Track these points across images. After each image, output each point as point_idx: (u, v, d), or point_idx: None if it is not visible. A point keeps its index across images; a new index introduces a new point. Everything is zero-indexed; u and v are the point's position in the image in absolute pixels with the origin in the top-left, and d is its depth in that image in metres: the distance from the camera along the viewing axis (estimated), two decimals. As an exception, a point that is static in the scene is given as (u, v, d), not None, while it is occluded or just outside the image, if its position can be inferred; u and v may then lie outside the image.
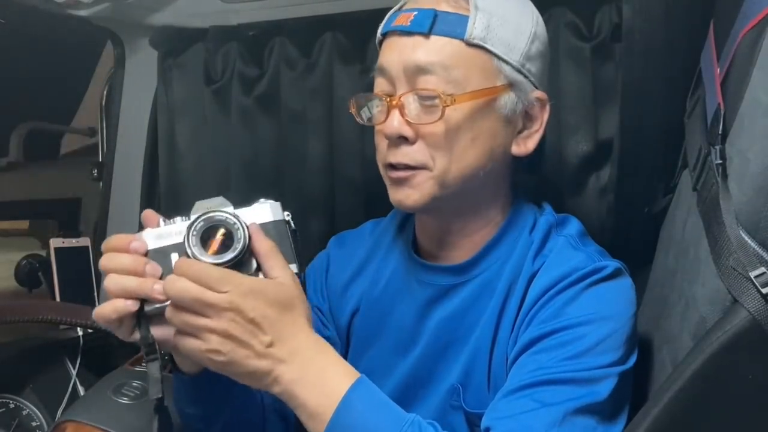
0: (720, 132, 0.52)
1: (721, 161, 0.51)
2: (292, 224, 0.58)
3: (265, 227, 0.56)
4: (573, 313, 0.60)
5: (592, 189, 0.90)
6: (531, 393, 0.56)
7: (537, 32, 0.66)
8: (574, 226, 0.69)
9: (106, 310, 0.55)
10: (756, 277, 0.44)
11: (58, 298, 1.12)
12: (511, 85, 0.65)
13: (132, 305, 0.54)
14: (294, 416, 0.57)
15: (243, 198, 1.13)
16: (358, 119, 0.70)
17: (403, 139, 0.64)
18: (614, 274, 0.63)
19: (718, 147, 0.52)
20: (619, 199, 0.84)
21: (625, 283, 0.64)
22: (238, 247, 0.53)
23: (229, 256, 0.53)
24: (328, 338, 0.67)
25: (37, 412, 0.97)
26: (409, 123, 0.64)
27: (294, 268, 0.55)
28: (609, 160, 0.87)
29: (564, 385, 0.55)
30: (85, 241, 1.18)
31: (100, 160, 1.27)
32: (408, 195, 0.65)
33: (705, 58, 0.66)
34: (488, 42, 0.63)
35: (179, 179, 1.20)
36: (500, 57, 0.64)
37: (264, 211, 0.57)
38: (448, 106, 0.62)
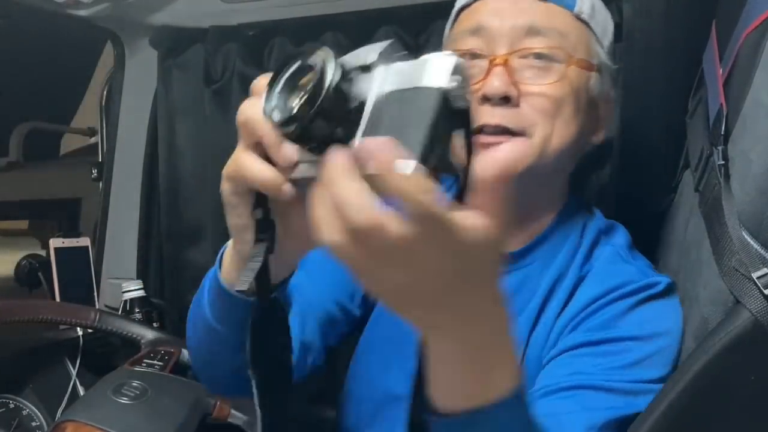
0: (722, 133, 0.52)
1: (723, 162, 0.51)
2: (457, 99, 0.33)
3: (401, 98, 0.34)
4: (623, 327, 0.58)
5: (592, 189, 0.90)
6: (573, 395, 0.54)
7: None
8: (621, 236, 0.67)
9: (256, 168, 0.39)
10: (759, 278, 0.44)
11: (58, 298, 1.11)
12: (600, 70, 0.64)
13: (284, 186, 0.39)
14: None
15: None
16: None
17: (504, 101, 0.60)
18: (666, 291, 0.61)
19: (720, 148, 0.52)
20: (620, 200, 0.84)
21: (675, 300, 0.62)
22: (299, 103, 0.35)
23: (296, 100, 0.36)
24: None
25: (37, 412, 0.96)
26: (514, 83, 0.60)
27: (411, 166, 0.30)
28: (609, 160, 0.87)
29: (606, 393, 0.54)
30: (84, 241, 1.18)
31: (100, 160, 1.27)
32: None
33: (707, 58, 0.66)
34: (592, 21, 0.63)
35: (179, 179, 1.20)
36: (598, 39, 0.64)
37: (417, 69, 0.34)
38: (571, 65, 0.60)
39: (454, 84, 0.33)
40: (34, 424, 0.95)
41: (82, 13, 1.08)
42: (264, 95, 0.38)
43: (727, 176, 0.50)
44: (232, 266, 0.49)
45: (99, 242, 1.25)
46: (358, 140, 0.34)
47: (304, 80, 0.36)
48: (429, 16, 0.99)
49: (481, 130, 0.60)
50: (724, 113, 0.53)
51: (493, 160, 0.54)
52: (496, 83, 0.59)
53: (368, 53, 0.36)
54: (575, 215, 0.67)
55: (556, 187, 0.67)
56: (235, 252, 0.48)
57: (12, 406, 0.95)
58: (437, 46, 1.03)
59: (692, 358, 0.47)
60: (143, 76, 1.21)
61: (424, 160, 0.31)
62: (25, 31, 1.20)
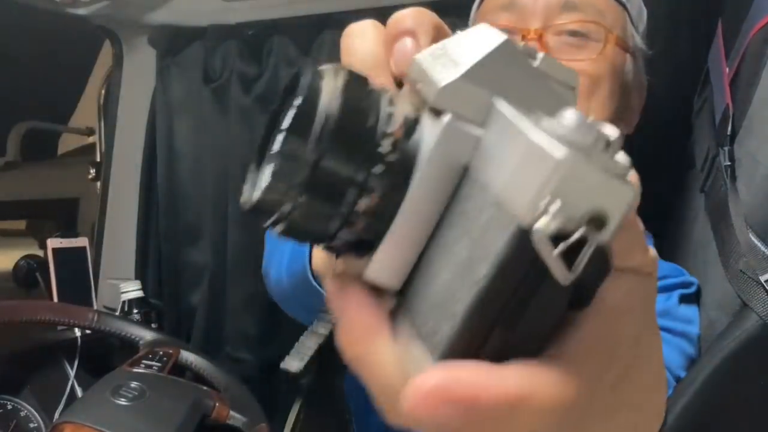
0: (728, 133, 0.51)
1: (729, 163, 0.50)
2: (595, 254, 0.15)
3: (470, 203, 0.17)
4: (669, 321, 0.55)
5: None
6: None
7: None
8: (648, 238, 0.65)
9: None
10: (766, 281, 0.44)
11: (55, 299, 1.11)
12: (634, 54, 0.61)
13: None
14: None
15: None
16: None
17: None
18: (698, 294, 0.58)
19: (726, 148, 0.51)
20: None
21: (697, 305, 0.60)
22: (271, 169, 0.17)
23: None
24: None
25: (35, 413, 0.96)
26: None
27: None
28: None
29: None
30: (82, 242, 1.17)
31: (98, 159, 1.26)
32: None
33: (713, 57, 0.65)
34: (628, 3, 0.60)
35: (178, 179, 1.19)
36: (633, 21, 0.61)
37: (528, 165, 0.15)
38: (609, 42, 0.57)
39: (555, 219, 0.14)
40: (32, 425, 0.95)
41: (80, 11, 1.08)
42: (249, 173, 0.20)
43: (734, 177, 0.50)
44: (324, 260, 0.39)
45: (97, 242, 1.24)
46: (378, 253, 0.17)
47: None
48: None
49: None
50: (731, 113, 0.52)
51: None
52: None
53: (449, 65, 0.18)
54: None
55: None
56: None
57: (10, 407, 0.94)
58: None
59: (700, 364, 0.46)
60: (141, 75, 1.21)
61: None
62: (23, 30, 1.20)
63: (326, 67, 0.17)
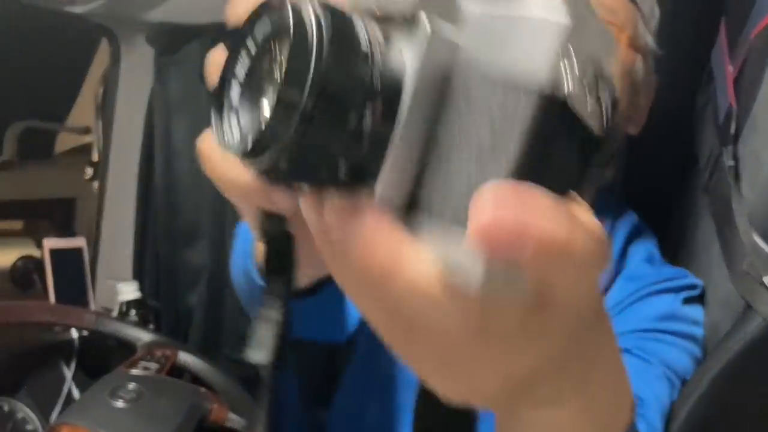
0: (732, 132, 0.51)
1: (733, 163, 0.50)
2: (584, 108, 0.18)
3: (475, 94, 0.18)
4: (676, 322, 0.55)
5: (596, 188, 0.89)
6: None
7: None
8: (653, 237, 0.65)
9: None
10: (771, 282, 0.43)
11: (52, 300, 1.10)
12: (645, 53, 0.60)
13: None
14: None
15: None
16: None
17: None
18: (702, 297, 0.58)
19: (730, 148, 0.51)
20: (627, 199, 0.83)
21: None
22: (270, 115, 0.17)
23: (264, 106, 0.18)
24: None
25: (31, 415, 0.95)
26: None
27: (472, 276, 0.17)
28: (614, 159, 0.86)
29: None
30: (79, 242, 1.16)
31: (95, 159, 1.26)
32: None
33: (716, 56, 0.65)
34: (640, 2, 0.59)
35: (175, 178, 1.19)
36: (645, 20, 0.60)
37: (512, 34, 0.17)
38: (620, 42, 0.56)
39: (576, 81, 0.17)
40: (28, 427, 0.94)
41: (77, 9, 1.07)
42: (213, 111, 0.21)
43: (737, 177, 0.49)
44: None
45: (94, 243, 1.24)
46: (389, 168, 0.18)
47: (274, 61, 0.18)
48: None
49: None
50: (734, 113, 0.52)
51: None
52: None
53: None
54: (604, 211, 0.64)
55: None
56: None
57: (6, 409, 0.94)
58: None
59: (705, 366, 0.46)
60: (139, 73, 1.20)
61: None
62: (19, 28, 1.19)
63: (304, 3, 0.18)
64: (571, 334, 0.19)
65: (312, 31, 0.17)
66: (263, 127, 0.17)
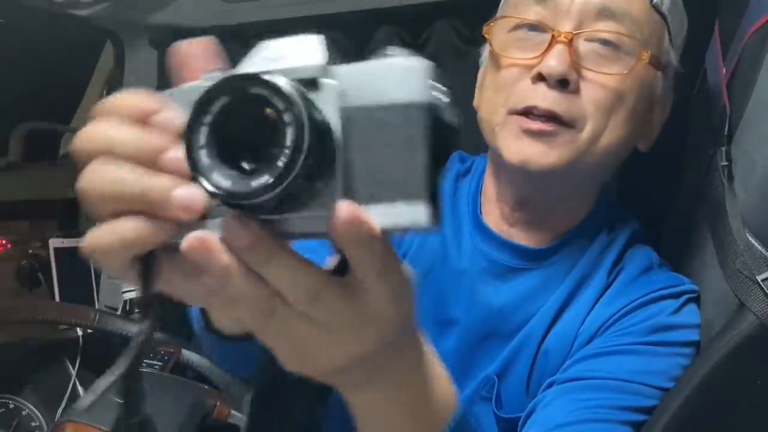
0: (726, 133, 0.51)
1: (726, 163, 0.50)
2: (446, 114, 0.27)
3: (374, 119, 0.25)
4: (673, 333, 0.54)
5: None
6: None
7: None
8: (649, 243, 0.64)
9: (102, 238, 0.27)
10: (763, 280, 0.44)
11: (57, 299, 1.11)
12: (665, 71, 0.58)
13: (144, 233, 0.26)
14: None
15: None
16: (491, 44, 0.58)
17: (561, 84, 0.53)
18: (698, 300, 0.57)
19: (723, 148, 0.51)
20: (619, 199, 0.84)
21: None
22: (284, 161, 0.23)
23: (261, 179, 0.24)
24: None
25: (36, 412, 0.96)
26: (575, 66, 0.53)
27: (422, 215, 0.25)
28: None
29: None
30: (84, 242, 1.17)
31: (100, 159, 1.26)
32: (544, 153, 0.53)
33: (710, 57, 0.65)
34: (669, 16, 0.57)
35: (179, 179, 1.19)
36: (671, 36, 0.57)
37: (384, 76, 0.26)
38: (641, 60, 0.54)
39: (439, 97, 0.26)
40: (33, 424, 0.95)
41: (82, 12, 1.08)
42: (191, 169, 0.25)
43: (731, 177, 0.50)
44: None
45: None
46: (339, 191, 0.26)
47: (252, 123, 0.24)
48: (429, 16, 0.98)
49: (528, 112, 0.53)
50: (728, 113, 0.52)
51: (540, 157, 0.51)
52: (554, 62, 0.52)
53: (299, 58, 0.26)
54: (604, 216, 0.63)
55: (590, 187, 0.61)
56: None
57: (12, 406, 0.95)
58: (437, 46, 1.02)
59: (697, 364, 0.46)
60: (143, 76, 1.21)
61: (432, 198, 0.26)
62: (24, 31, 1.20)
63: (274, 77, 0.25)
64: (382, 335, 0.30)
65: (296, 123, 0.24)
66: (275, 177, 0.24)
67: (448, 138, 0.27)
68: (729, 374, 0.45)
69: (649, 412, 0.49)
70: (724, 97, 0.54)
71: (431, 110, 0.26)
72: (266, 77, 0.24)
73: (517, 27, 0.56)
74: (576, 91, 0.54)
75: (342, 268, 0.28)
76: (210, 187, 0.24)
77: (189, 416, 0.75)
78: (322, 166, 0.25)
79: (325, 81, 0.26)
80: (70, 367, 1.03)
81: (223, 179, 0.24)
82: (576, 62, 0.53)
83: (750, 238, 0.46)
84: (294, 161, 0.23)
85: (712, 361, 0.45)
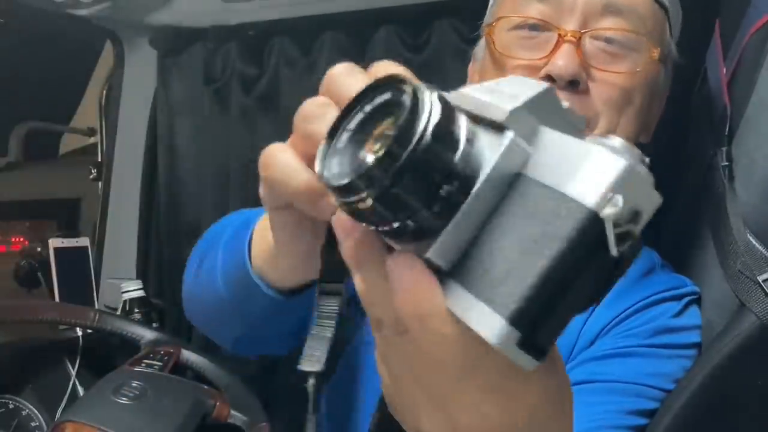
0: (726, 133, 0.51)
1: (727, 163, 0.50)
2: (621, 244, 0.20)
3: (528, 197, 0.22)
4: (676, 335, 0.54)
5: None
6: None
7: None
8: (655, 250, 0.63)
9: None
10: (764, 281, 0.44)
11: (57, 299, 1.11)
12: (666, 62, 0.58)
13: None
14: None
15: (242, 199, 1.13)
16: (493, 44, 0.56)
17: (571, 85, 0.52)
18: (699, 301, 0.57)
19: (724, 148, 0.51)
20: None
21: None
22: (374, 158, 0.21)
23: (366, 155, 0.22)
24: None
25: (36, 412, 0.96)
26: (583, 66, 0.52)
27: (494, 329, 0.21)
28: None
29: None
30: (84, 241, 1.17)
31: (99, 160, 1.26)
32: None
33: (711, 57, 0.65)
34: (671, 8, 0.56)
35: (179, 179, 1.19)
36: (671, 28, 0.57)
37: (577, 159, 0.21)
38: (651, 57, 0.53)
39: (617, 208, 0.19)
40: (33, 424, 0.95)
41: (82, 12, 1.08)
42: (321, 149, 0.24)
43: (732, 178, 0.50)
44: (266, 260, 0.43)
45: (98, 242, 1.25)
46: (442, 238, 0.22)
47: (382, 126, 0.22)
48: (429, 16, 0.98)
49: None
50: (729, 113, 0.52)
51: None
52: (563, 63, 0.51)
53: (506, 98, 0.23)
54: None
55: None
56: (275, 247, 0.39)
57: (11, 406, 0.95)
58: (437, 46, 1.02)
59: (699, 365, 0.46)
60: (143, 75, 1.21)
61: (524, 326, 0.20)
62: (24, 30, 1.20)
63: (422, 87, 0.22)
64: (533, 411, 0.24)
65: (426, 111, 0.21)
66: (365, 170, 0.21)
67: (604, 274, 0.21)
68: (730, 375, 0.45)
69: (653, 415, 0.49)
70: (725, 97, 0.54)
71: (598, 224, 0.19)
72: (415, 86, 0.21)
73: (518, 26, 0.55)
74: (586, 91, 0.53)
75: None
76: (321, 167, 0.23)
77: (189, 416, 0.75)
78: (429, 186, 0.21)
79: (509, 132, 0.22)
80: (70, 367, 1.03)
81: (335, 166, 0.23)
82: (585, 62, 0.52)
83: (750, 239, 0.46)
84: (392, 155, 0.20)
85: (713, 362, 0.45)
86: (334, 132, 0.24)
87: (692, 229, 0.61)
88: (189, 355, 0.91)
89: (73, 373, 1.03)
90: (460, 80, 0.93)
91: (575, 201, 0.20)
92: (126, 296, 1.15)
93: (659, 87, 0.59)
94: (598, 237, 0.20)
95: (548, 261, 0.20)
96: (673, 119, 0.62)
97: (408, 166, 0.20)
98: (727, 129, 0.51)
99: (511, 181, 0.22)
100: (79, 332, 1.05)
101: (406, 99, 0.21)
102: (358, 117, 0.23)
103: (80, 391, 1.02)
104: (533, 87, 0.23)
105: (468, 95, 0.24)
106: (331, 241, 0.28)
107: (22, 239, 1.26)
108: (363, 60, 1.06)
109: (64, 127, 1.42)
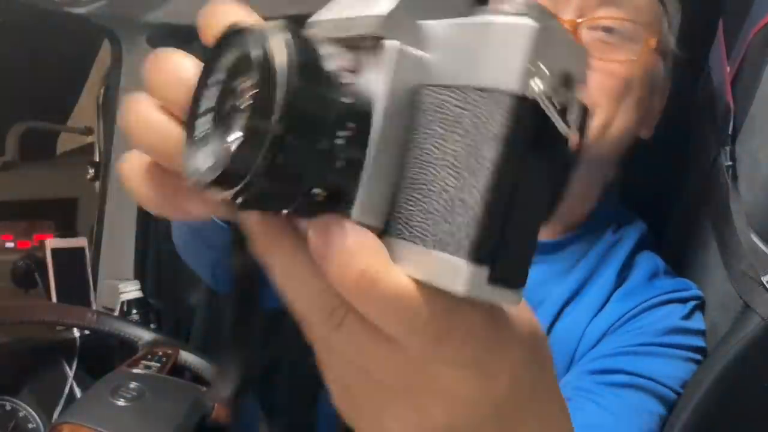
0: (730, 132, 0.51)
1: (731, 163, 0.50)
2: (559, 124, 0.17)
3: (443, 106, 0.18)
4: (682, 336, 0.54)
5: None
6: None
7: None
8: (656, 250, 0.63)
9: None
10: (769, 281, 0.43)
11: (54, 299, 1.10)
12: (665, 55, 0.58)
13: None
14: None
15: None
16: None
17: None
18: (703, 306, 0.57)
19: (727, 148, 0.51)
20: (624, 199, 0.83)
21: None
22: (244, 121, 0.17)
23: (232, 135, 0.17)
24: None
25: (33, 414, 0.96)
26: None
27: (459, 273, 0.17)
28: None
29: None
30: (81, 242, 1.16)
31: (97, 159, 1.26)
32: None
33: (714, 56, 0.65)
34: (668, 2, 0.57)
35: (177, 179, 1.19)
36: (670, 20, 0.57)
37: (479, 44, 0.17)
38: (648, 46, 0.54)
39: (544, 79, 0.16)
40: (30, 426, 0.95)
41: (79, 10, 1.07)
42: (184, 137, 0.19)
43: (735, 177, 0.49)
44: None
45: (96, 243, 1.24)
46: (361, 193, 0.18)
47: (245, 94, 0.18)
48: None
49: None
50: (732, 113, 0.52)
51: None
52: None
53: (371, 4, 0.19)
54: (611, 215, 0.63)
55: (597, 178, 0.61)
56: None
57: (8, 408, 0.94)
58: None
59: (706, 369, 0.46)
60: (140, 74, 1.19)
61: (490, 258, 0.17)
62: (20, 29, 1.19)
63: (270, 31, 0.17)
64: (516, 381, 0.20)
65: (279, 59, 0.17)
66: (232, 156, 0.17)
67: (558, 160, 0.17)
68: (738, 378, 0.45)
69: (663, 416, 0.49)
70: (728, 96, 0.54)
71: (530, 107, 0.16)
72: (259, 31, 0.18)
73: None
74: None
75: None
76: (185, 164, 0.18)
77: (187, 417, 0.75)
78: (316, 149, 0.17)
79: (387, 43, 0.18)
80: (67, 368, 1.03)
81: (203, 158, 0.18)
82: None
83: (754, 239, 0.46)
84: (254, 136, 0.16)
85: (720, 366, 0.45)
86: (192, 119, 0.19)
87: (695, 229, 0.61)
88: (187, 356, 0.90)
89: (71, 374, 1.02)
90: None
91: (494, 91, 0.16)
92: (124, 297, 1.15)
93: (659, 80, 0.59)
94: (536, 122, 0.16)
95: (489, 173, 0.16)
96: (676, 118, 0.62)
97: (285, 132, 0.16)
98: (730, 128, 0.51)
99: (413, 99, 0.18)
100: (77, 333, 1.04)
101: (255, 53, 0.17)
102: (213, 92, 0.19)
103: (78, 392, 1.01)
104: None
105: (328, 20, 0.20)
106: (238, 242, 0.23)
107: (18, 239, 1.26)
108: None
109: (62, 127, 1.41)
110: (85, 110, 1.40)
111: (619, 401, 0.48)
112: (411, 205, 0.18)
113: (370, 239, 0.18)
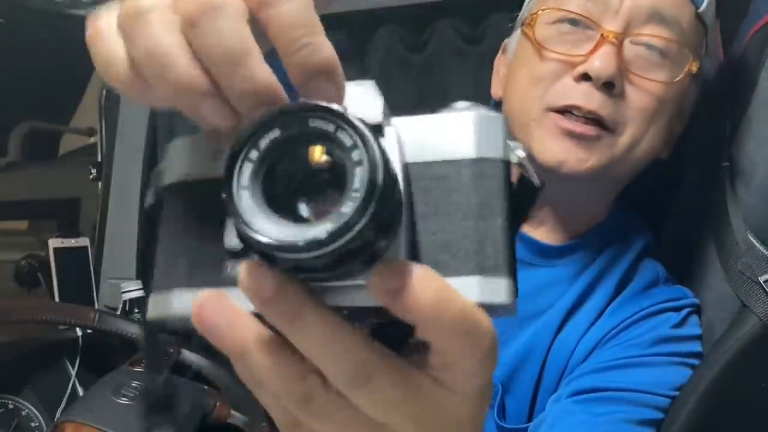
0: (727, 133, 0.51)
1: (728, 163, 0.50)
2: (534, 178, 0.24)
3: (439, 177, 0.22)
4: (681, 343, 0.54)
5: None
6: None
7: None
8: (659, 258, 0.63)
9: None
10: (765, 281, 0.44)
11: (57, 299, 1.11)
12: (698, 80, 0.57)
13: None
14: None
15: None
16: (532, 33, 0.55)
17: (606, 86, 0.51)
18: (698, 312, 0.57)
19: (725, 148, 0.51)
20: (621, 199, 0.84)
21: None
22: (353, 206, 0.19)
23: (325, 228, 0.19)
24: None
25: (36, 412, 0.96)
26: (621, 70, 0.51)
27: (503, 292, 0.22)
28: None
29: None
30: (84, 242, 1.17)
31: (99, 160, 1.26)
32: (583, 159, 0.51)
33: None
34: (710, 27, 0.56)
35: (179, 179, 1.19)
36: (707, 44, 0.56)
37: (451, 130, 0.23)
38: (690, 70, 0.52)
39: (520, 147, 0.23)
40: (33, 424, 0.95)
41: (81, 12, 1.08)
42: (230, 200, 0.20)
43: (732, 178, 0.50)
44: None
45: (98, 242, 1.25)
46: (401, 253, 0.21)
47: (303, 159, 0.20)
48: (429, 16, 0.98)
49: (567, 110, 0.52)
50: (729, 113, 0.52)
51: (576, 163, 0.47)
52: (603, 64, 0.50)
53: (364, 103, 0.22)
54: (620, 225, 0.62)
55: (612, 192, 0.61)
56: None
57: (11, 406, 0.94)
58: (437, 46, 1.02)
59: (703, 370, 0.46)
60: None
61: (513, 272, 0.22)
62: (23, 30, 1.20)
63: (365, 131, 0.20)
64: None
65: (380, 158, 0.19)
66: (343, 223, 0.19)
67: (525, 199, 0.23)
68: (735, 378, 0.45)
69: (659, 424, 0.49)
70: (726, 97, 0.54)
71: (507, 168, 0.22)
72: (333, 106, 0.20)
73: (559, 20, 0.54)
74: (621, 95, 0.52)
75: (400, 341, 0.22)
76: (256, 235, 0.19)
77: (189, 416, 0.75)
78: (391, 224, 0.20)
79: (389, 129, 0.22)
80: (70, 367, 1.03)
81: (269, 226, 0.19)
82: (623, 65, 0.51)
83: (752, 239, 0.46)
84: (365, 207, 0.18)
85: (718, 366, 0.45)
86: (230, 188, 0.20)
87: (693, 229, 0.61)
88: (189, 355, 0.91)
89: (73, 373, 1.02)
90: (460, 80, 0.93)
91: (488, 160, 0.22)
92: (126, 296, 1.15)
93: (689, 104, 0.58)
94: (514, 178, 0.23)
95: (501, 215, 0.22)
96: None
97: (376, 215, 0.19)
98: (728, 129, 0.51)
99: (405, 172, 0.22)
100: (79, 332, 1.05)
101: (348, 139, 0.19)
102: (248, 167, 0.20)
103: (80, 391, 1.01)
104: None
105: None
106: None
107: (21, 239, 1.26)
108: (363, 59, 1.06)
109: (64, 127, 1.42)
110: (87, 111, 1.40)
111: (605, 418, 0.48)
112: (437, 248, 0.22)
113: (431, 271, 0.20)
